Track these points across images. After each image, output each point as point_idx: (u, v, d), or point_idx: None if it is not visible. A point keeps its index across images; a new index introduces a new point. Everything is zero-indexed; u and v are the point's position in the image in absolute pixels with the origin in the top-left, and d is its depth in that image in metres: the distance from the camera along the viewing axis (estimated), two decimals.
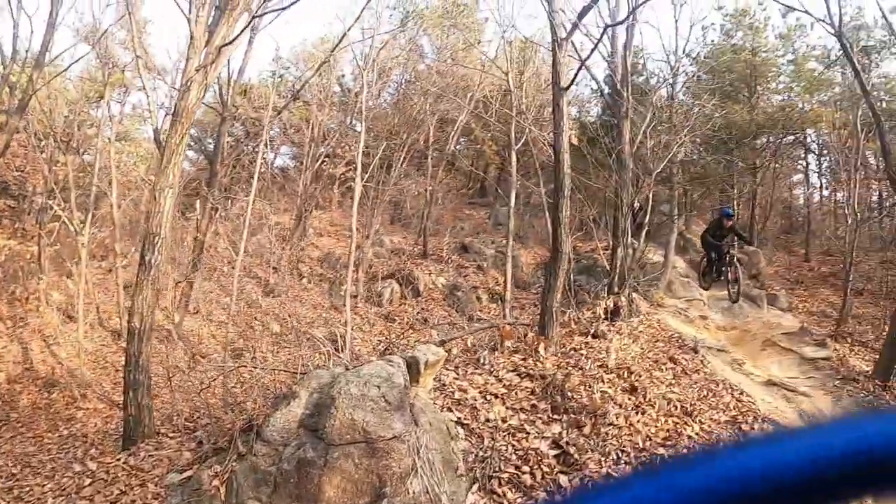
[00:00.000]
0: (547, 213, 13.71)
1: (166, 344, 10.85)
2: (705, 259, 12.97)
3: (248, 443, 4.82)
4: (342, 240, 18.85)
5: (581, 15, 8.77)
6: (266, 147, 15.35)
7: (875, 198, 23.22)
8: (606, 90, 15.41)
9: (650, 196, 13.36)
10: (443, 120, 20.17)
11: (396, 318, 14.49)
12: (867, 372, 10.02)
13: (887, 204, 22.57)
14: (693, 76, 18.07)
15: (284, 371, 7.12)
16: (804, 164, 25.45)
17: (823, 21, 10.71)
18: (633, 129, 12.55)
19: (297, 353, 8.26)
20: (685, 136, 13.58)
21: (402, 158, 18.07)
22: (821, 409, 8.72)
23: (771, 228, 22.31)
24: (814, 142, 24.23)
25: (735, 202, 20.00)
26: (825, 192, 25.68)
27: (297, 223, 17.45)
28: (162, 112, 13.88)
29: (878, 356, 10.28)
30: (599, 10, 11.53)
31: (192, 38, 7.86)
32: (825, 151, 24.10)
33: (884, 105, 16.82)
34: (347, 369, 5.08)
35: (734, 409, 7.43)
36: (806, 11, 11.52)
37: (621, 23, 11.17)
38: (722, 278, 12.39)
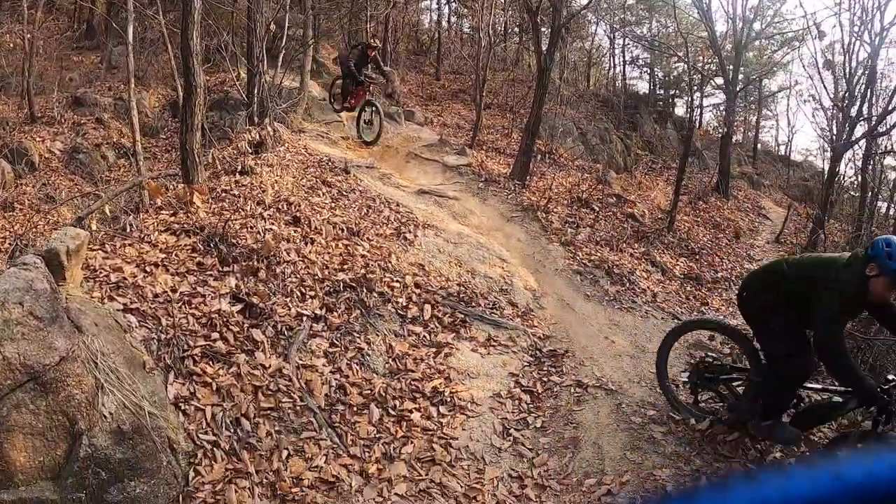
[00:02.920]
0: (169, 48, 12.06)
1: None
2: (340, 82, 13.19)
3: None
4: None
5: None
6: None
7: (501, 26, 25.03)
8: None
9: (286, 19, 12.63)
10: None
11: (17, 204, 11.86)
12: (506, 174, 11.20)
13: (513, 30, 25.03)
14: None
15: None
16: None
17: None
18: None
19: None
20: None
21: None
22: (471, 208, 9.54)
23: (402, 50, 22.94)
24: None
25: (367, 25, 20.08)
26: (454, 19, 27.45)
27: None
28: None
29: (513, 160, 11.57)
30: None
31: None
32: None
33: None
34: None
35: (395, 220, 7.60)
36: None
37: None
38: (352, 111, 12.64)
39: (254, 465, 3.82)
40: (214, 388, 4.15)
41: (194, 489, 3.60)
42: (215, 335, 4.49)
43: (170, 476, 3.63)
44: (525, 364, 5.63)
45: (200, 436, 3.86)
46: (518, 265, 7.62)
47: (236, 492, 3.62)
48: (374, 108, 12.00)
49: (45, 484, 3.43)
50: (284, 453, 3.99)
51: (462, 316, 5.88)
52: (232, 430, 3.98)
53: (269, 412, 4.19)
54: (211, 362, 4.29)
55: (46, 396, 3.47)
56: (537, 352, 5.88)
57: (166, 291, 4.74)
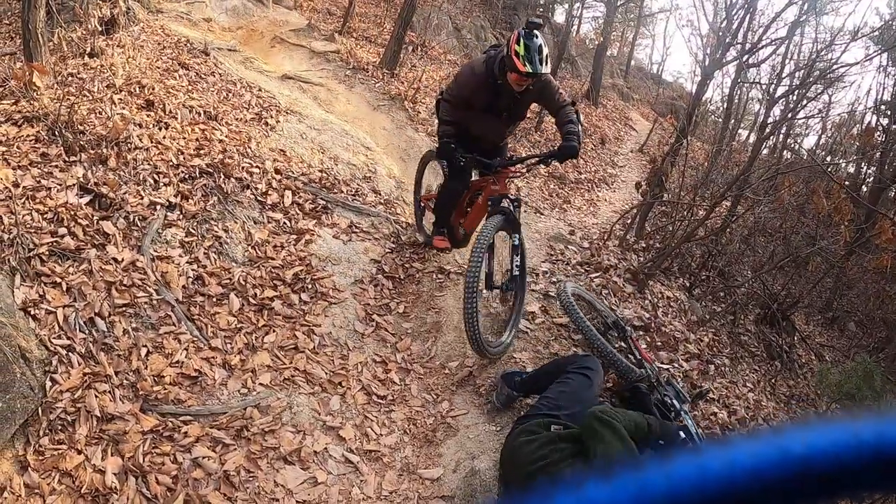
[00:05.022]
0: None
1: None
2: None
3: None
4: None
5: None
6: None
7: None
8: None
9: None
10: None
11: None
12: (375, 63, 10.83)
13: None
14: None
15: None
16: None
17: None
18: None
19: None
20: None
21: None
22: (337, 96, 9.24)
23: None
24: None
25: None
26: None
27: None
28: None
29: (383, 49, 11.21)
30: None
31: None
32: None
33: None
34: None
35: (256, 105, 7.22)
36: None
37: None
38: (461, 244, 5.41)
39: (112, 367, 3.57)
40: (65, 288, 3.81)
41: (53, 399, 3.29)
42: (63, 231, 4.13)
43: (25, 388, 3.26)
44: (387, 251, 5.63)
45: (54, 341, 3.54)
46: (383, 154, 7.51)
47: (97, 396, 3.37)
48: (510, 232, 4.57)
49: None
50: (143, 351, 3.76)
51: (324, 202, 5.76)
52: (87, 332, 3.68)
53: (124, 309, 3.91)
54: (59, 260, 3.95)
55: None
56: (399, 239, 5.90)
57: (7, 187, 4.27)
